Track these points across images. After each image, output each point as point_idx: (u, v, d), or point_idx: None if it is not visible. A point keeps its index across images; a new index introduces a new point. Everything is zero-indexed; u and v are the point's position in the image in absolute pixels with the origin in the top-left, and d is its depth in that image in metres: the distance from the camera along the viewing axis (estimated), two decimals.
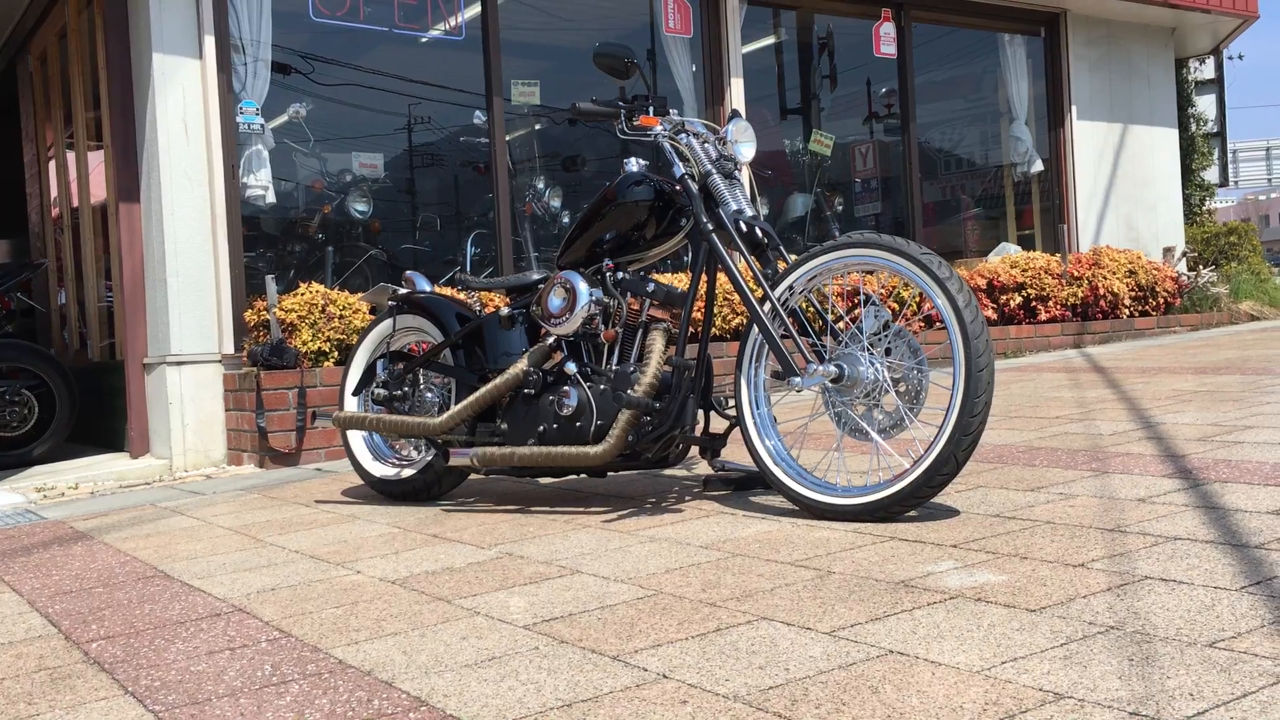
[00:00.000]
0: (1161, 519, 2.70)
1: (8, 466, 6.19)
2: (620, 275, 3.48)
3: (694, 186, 3.36)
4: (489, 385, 3.58)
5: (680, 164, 3.40)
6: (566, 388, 3.43)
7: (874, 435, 3.00)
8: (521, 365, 3.54)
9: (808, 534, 2.87)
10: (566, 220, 7.84)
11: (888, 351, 3.01)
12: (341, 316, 5.60)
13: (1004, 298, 8.06)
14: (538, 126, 7.98)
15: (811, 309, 3.31)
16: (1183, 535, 2.53)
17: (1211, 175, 11.90)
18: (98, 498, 4.92)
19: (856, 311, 3.11)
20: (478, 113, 7.26)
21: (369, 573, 2.86)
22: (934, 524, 2.86)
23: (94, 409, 6.88)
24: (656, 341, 3.33)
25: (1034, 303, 8.20)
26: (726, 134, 3.38)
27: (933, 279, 2.90)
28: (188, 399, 5.69)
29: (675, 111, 3.48)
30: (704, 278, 3.40)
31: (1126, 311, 8.67)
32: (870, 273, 3.13)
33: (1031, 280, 8.18)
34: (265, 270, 6.46)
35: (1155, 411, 4.51)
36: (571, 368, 3.44)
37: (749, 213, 3.30)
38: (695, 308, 3.39)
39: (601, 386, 3.39)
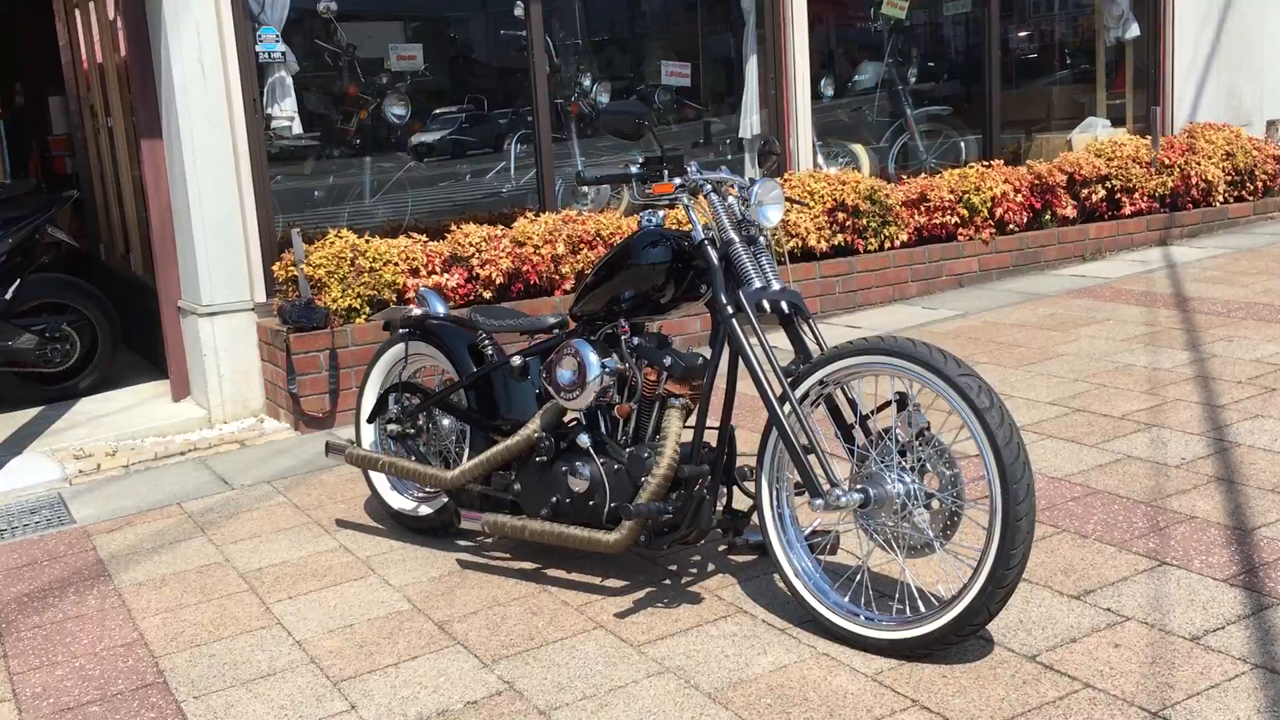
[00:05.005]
0: (1214, 690, 2.46)
1: (55, 399, 6.19)
2: (637, 341, 3.20)
3: (714, 256, 3.03)
4: (500, 447, 3.38)
5: (700, 229, 3.06)
6: (579, 462, 3.21)
7: (901, 563, 2.76)
8: (533, 427, 3.32)
9: (825, 681, 2.68)
10: None
11: (921, 465, 2.74)
12: (372, 269, 5.37)
13: (1085, 191, 7.50)
14: None
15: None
16: None
17: None
18: (132, 474, 4.88)
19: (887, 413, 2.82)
20: (518, 3, 6.76)
21: (362, 710, 2.75)
22: (961, 669, 2.66)
23: (141, 328, 6.79)
24: (673, 423, 3.07)
25: (1118, 194, 7.64)
26: (751, 196, 3.01)
27: (970, 407, 2.59)
28: (222, 350, 5.56)
29: (693, 167, 3.11)
30: (726, 352, 3.11)
31: (1220, 198, 8.06)
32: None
33: (1117, 171, 7.59)
34: (299, 199, 6.21)
35: (1233, 414, 4.18)
36: (584, 440, 3.21)
37: (774, 288, 2.97)
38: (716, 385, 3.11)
39: (616, 466, 3.16)
